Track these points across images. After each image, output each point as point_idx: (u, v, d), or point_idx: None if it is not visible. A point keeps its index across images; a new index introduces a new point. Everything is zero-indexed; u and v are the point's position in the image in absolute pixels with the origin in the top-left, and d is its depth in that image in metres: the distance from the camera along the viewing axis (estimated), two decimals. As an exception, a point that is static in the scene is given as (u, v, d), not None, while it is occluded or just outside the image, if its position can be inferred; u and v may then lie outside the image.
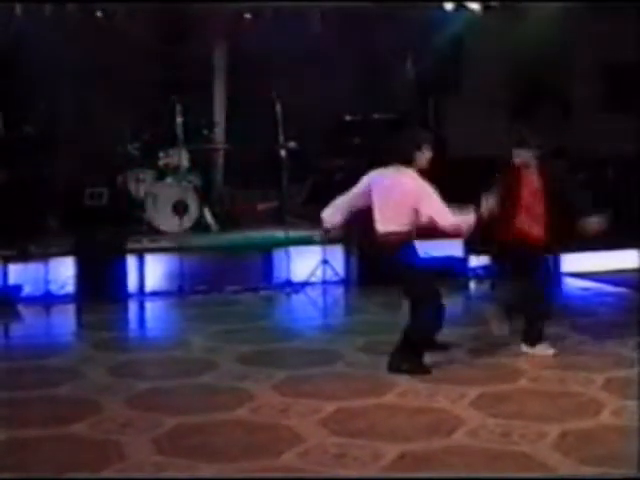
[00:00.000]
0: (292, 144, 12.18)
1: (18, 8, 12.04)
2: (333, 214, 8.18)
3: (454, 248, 11.74)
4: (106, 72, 13.00)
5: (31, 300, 10.63)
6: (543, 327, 8.45)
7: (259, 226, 12.67)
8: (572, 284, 11.78)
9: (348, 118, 13.96)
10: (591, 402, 7.11)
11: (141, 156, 12.76)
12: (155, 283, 11.22)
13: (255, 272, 11.64)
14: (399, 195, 7.74)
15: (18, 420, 6.77)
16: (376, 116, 13.79)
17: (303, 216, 12.61)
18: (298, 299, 11.12)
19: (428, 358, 7.96)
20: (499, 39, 13.52)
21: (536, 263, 8.38)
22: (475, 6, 13.49)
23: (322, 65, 13.61)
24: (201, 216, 12.38)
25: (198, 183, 12.65)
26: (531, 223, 8.28)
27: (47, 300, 10.65)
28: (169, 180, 12.46)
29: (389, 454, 6.06)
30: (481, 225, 7.86)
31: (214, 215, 12.54)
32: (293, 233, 11.75)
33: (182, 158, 12.50)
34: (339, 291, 11.62)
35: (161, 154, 12.59)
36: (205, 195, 12.70)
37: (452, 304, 10.25)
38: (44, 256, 10.86)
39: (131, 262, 11.12)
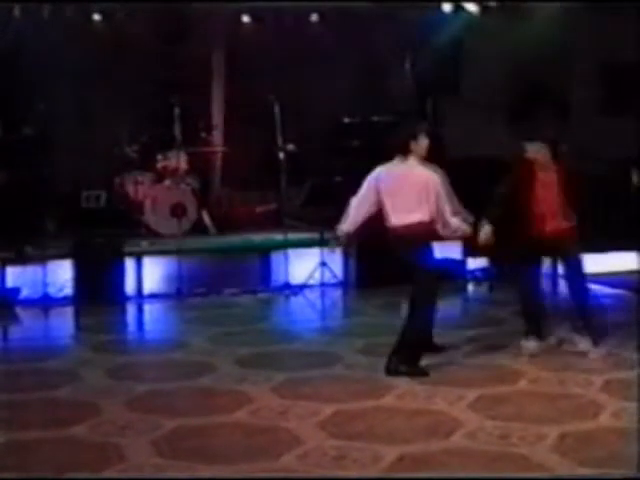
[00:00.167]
0: (290, 146, 12.18)
1: (17, 9, 12.04)
2: (348, 226, 8.16)
3: (452, 250, 11.74)
4: (105, 74, 13.00)
5: (29, 303, 10.61)
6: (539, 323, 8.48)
7: (257, 228, 12.66)
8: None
9: (347, 120, 13.96)
10: (590, 404, 7.11)
11: (139, 158, 12.76)
12: (153, 286, 11.21)
13: (253, 274, 11.64)
14: (411, 184, 7.78)
15: (17, 423, 6.77)
16: (375, 118, 13.79)
17: (302, 218, 12.62)
18: (297, 301, 11.11)
19: (426, 360, 7.96)
20: (498, 40, 13.53)
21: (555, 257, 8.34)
22: (473, 7, 13.51)
23: (320, 67, 13.61)
24: (199, 219, 12.38)
25: (196, 186, 12.66)
26: (546, 218, 8.27)
27: (45, 303, 10.63)
28: (167, 182, 12.46)
29: (388, 456, 6.06)
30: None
31: (212, 218, 12.53)
32: (292, 235, 11.76)
33: (180, 160, 12.51)
34: (337, 293, 11.61)
35: (159, 156, 12.59)
36: (203, 198, 12.71)
37: (450, 306, 10.29)
38: (42, 258, 10.85)
39: (129, 265, 11.11)
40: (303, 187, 13.72)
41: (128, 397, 7.36)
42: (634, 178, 12.01)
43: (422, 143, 7.94)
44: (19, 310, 10.49)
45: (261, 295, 11.32)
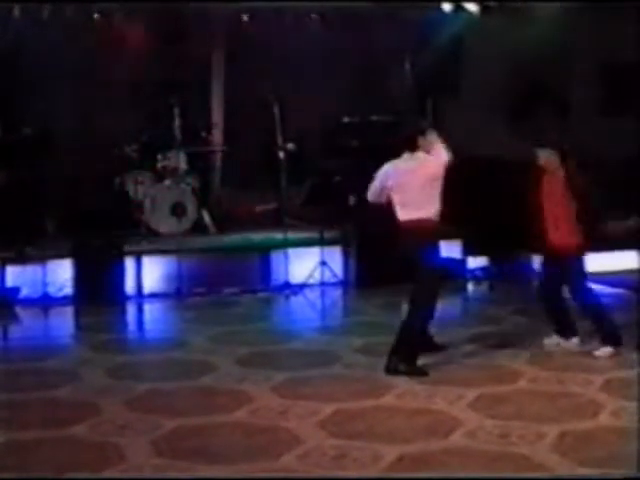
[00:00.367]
0: (290, 146, 12.17)
1: (16, 10, 12.03)
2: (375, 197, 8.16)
3: (452, 249, 11.74)
4: (104, 74, 12.99)
5: (29, 302, 10.62)
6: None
7: (257, 228, 12.65)
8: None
9: (346, 120, 13.95)
10: (590, 403, 7.12)
11: (139, 158, 12.75)
12: (153, 285, 11.21)
13: (253, 274, 11.64)
14: (420, 179, 7.81)
15: (17, 422, 6.77)
16: (374, 118, 13.78)
17: (301, 218, 12.61)
18: (296, 301, 11.11)
19: (426, 359, 7.97)
20: (498, 40, 13.52)
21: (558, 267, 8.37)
22: (473, 7, 13.50)
23: (320, 66, 13.60)
24: (199, 218, 12.38)
25: (196, 185, 12.65)
26: (548, 231, 8.28)
27: (45, 302, 10.64)
28: (167, 182, 12.45)
29: (388, 456, 6.07)
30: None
31: (212, 217, 12.53)
32: (291, 235, 11.75)
33: (180, 160, 12.52)
34: (337, 293, 11.62)
35: (159, 156, 12.58)
36: (203, 197, 12.70)
37: (450, 305, 10.29)
38: (42, 258, 10.85)
39: (129, 264, 11.11)
40: (303, 186, 13.70)
41: (128, 397, 7.36)
42: None
43: (430, 140, 7.96)
44: (19, 310, 10.49)
45: (261, 294, 11.32)
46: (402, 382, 7.62)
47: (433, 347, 8.29)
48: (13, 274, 10.78)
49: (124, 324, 10.53)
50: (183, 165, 12.56)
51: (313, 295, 11.34)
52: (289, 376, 7.88)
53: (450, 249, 11.62)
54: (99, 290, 10.74)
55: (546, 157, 8.35)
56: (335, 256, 11.75)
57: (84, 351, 8.87)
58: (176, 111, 12.44)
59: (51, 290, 10.78)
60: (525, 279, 11.30)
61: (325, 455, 6.12)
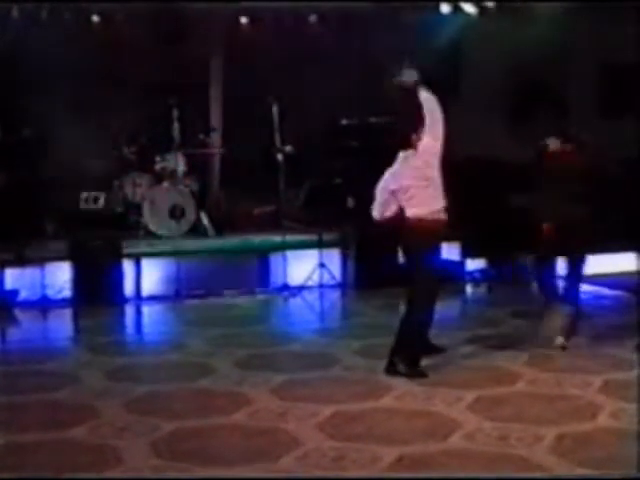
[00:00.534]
0: (289, 148, 12.16)
1: (15, 10, 12.03)
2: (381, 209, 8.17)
3: (450, 251, 11.74)
4: (103, 75, 12.99)
5: (28, 305, 10.61)
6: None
7: (256, 230, 12.65)
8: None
9: (345, 122, 13.95)
10: (588, 405, 7.12)
11: (138, 160, 12.75)
12: (152, 287, 11.21)
13: (252, 276, 11.64)
14: (418, 171, 7.82)
15: (16, 424, 6.77)
16: (373, 120, 13.78)
17: (300, 220, 12.61)
18: (295, 303, 11.11)
19: (425, 361, 7.97)
20: (497, 41, 13.53)
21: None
22: (471, 8, 13.51)
23: (319, 68, 13.60)
24: (198, 220, 12.38)
25: (195, 187, 12.65)
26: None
27: (44, 304, 10.63)
28: (166, 184, 12.45)
29: (387, 457, 6.07)
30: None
31: (211, 219, 12.52)
32: (290, 237, 11.75)
33: (179, 162, 12.52)
34: (336, 295, 11.62)
35: (158, 158, 12.59)
36: (202, 199, 12.70)
37: (449, 307, 10.29)
38: (41, 260, 10.85)
39: (128, 266, 11.10)
40: (302, 188, 13.71)
41: (127, 399, 7.35)
42: None
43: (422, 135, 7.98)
44: (18, 312, 10.48)
45: (260, 297, 11.33)
46: (401, 384, 7.62)
47: (433, 349, 8.28)
48: (12, 276, 10.76)
49: (123, 326, 10.53)
50: (181, 167, 12.56)
51: (312, 297, 11.35)
52: (288, 378, 7.88)
53: (449, 251, 11.63)
54: (98, 292, 10.73)
55: (556, 144, 8.43)
56: (334, 258, 11.75)
57: (83, 353, 8.86)
58: (175, 113, 12.45)
59: (50, 292, 10.77)
60: (524, 281, 11.30)
61: (324, 457, 6.11)
